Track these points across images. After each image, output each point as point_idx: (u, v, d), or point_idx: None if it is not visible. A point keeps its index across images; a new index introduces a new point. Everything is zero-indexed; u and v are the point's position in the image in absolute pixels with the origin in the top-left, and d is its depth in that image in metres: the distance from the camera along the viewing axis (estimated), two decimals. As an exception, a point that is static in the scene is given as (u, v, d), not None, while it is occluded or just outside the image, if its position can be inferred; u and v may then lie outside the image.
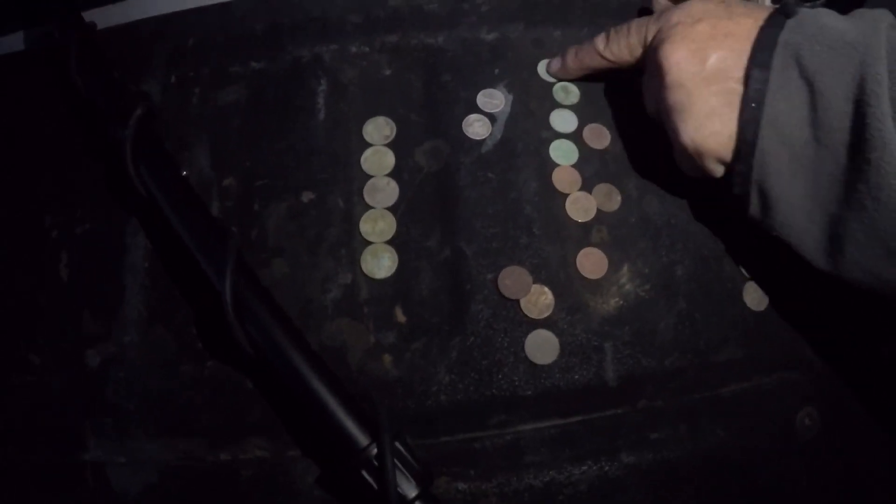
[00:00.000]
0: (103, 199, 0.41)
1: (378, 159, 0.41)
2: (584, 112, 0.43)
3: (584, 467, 0.36)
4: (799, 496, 0.38)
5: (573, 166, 0.41)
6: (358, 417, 0.34)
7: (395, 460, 0.33)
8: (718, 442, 0.37)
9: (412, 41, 0.43)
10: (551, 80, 0.43)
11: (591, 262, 0.39)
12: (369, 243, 0.39)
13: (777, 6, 0.37)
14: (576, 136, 0.42)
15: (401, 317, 0.38)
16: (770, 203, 0.35)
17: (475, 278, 0.38)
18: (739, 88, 0.35)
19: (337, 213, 0.39)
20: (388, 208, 0.39)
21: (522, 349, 0.37)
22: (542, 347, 0.37)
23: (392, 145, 0.41)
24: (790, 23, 0.35)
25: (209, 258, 0.36)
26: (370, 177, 0.40)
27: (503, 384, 0.37)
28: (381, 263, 0.38)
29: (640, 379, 0.38)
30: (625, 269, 0.39)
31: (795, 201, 0.35)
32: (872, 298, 0.35)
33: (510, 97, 0.42)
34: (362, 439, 0.33)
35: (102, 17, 0.45)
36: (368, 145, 0.41)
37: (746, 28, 0.36)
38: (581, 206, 0.40)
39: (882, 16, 0.34)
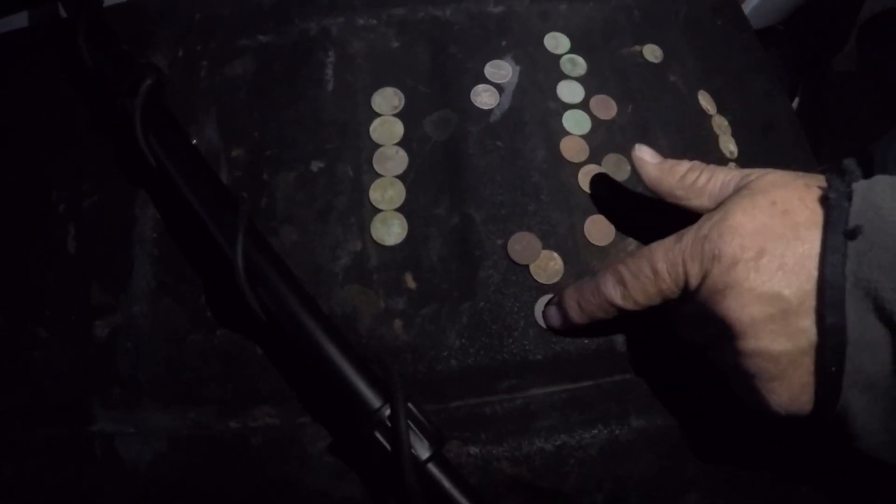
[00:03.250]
0: (111, 172, 0.41)
1: (387, 129, 0.41)
2: (590, 83, 0.43)
3: (595, 431, 0.36)
4: (804, 462, 0.38)
5: (583, 136, 0.41)
6: (370, 380, 0.34)
7: (409, 421, 0.33)
8: (727, 405, 0.37)
9: (419, 14, 0.43)
10: (558, 52, 0.44)
11: (599, 230, 0.39)
12: (379, 211, 0.39)
13: (826, 196, 0.30)
14: (583, 107, 0.42)
15: (411, 283, 0.38)
16: (850, 435, 0.31)
17: (485, 244, 0.38)
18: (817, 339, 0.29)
19: (346, 181, 0.39)
20: (398, 176, 0.40)
21: (533, 314, 0.37)
22: (553, 312, 0.37)
23: (400, 115, 0.41)
24: (856, 246, 0.28)
25: (220, 225, 0.36)
26: (379, 146, 0.40)
27: (514, 349, 0.37)
28: (390, 230, 0.38)
29: (649, 344, 0.38)
30: (631, 237, 0.39)
31: (876, 431, 0.30)
32: None
33: (518, 68, 0.42)
34: (375, 401, 0.33)
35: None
36: (377, 115, 0.41)
37: (817, 245, 0.29)
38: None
39: None
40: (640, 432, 0.37)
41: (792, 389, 0.30)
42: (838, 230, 0.29)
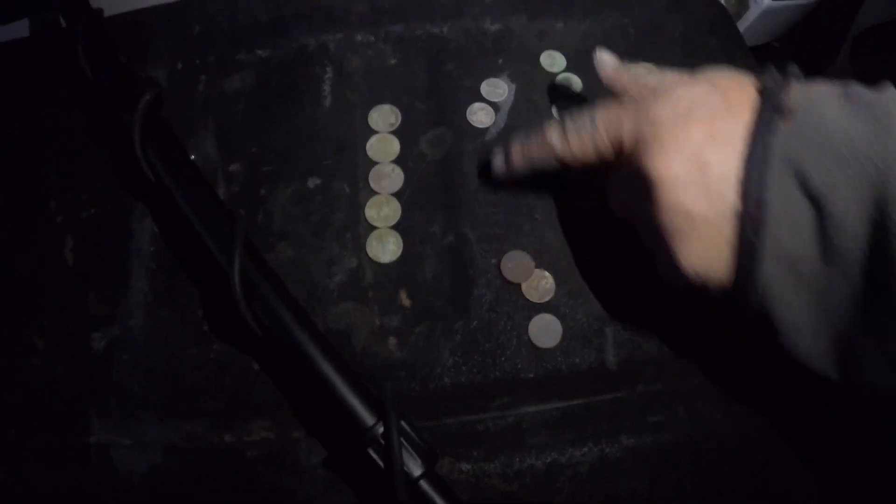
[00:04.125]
0: (109, 183, 0.41)
1: (383, 146, 0.41)
2: (585, 102, 0.43)
3: (585, 449, 0.37)
4: (796, 479, 0.39)
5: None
6: (364, 397, 0.34)
7: (401, 439, 0.33)
8: (716, 425, 0.38)
9: (417, 31, 0.44)
10: (554, 70, 0.44)
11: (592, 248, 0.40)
12: (374, 228, 0.39)
13: (762, 85, 0.31)
14: (578, 126, 0.43)
15: (405, 300, 0.38)
16: (774, 327, 0.31)
17: (478, 263, 0.39)
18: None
19: (343, 198, 0.40)
20: (394, 194, 0.40)
21: (526, 332, 0.38)
22: (546, 331, 0.38)
23: (397, 133, 0.41)
24: (785, 124, 0.29)
25: (217, 239, 0.36)
26: (375, 163, 0.41)
27: (506, 367, 0.37)
28: (386, 248, 0.39)
29: (639, 363, 0.38)
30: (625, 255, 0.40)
31: (802, 326, 0.30)
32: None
33: (513, 86, 0.43)
34: (368, 418, 0.33)
35: (107, 5, 0.45)
36: (374, 132, 0.41)
37: (747, 123, 0.30)
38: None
39: (893, 105, 0.28)
40: (630, 451, 0.37)
41: (704, 251, 0.31)
42: (770, 107, 0.30)
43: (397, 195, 0.40)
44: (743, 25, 0.54)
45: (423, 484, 0.33)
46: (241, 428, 0.37)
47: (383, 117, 0.42)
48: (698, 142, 0.30)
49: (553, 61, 0.44)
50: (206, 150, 0.41)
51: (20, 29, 0.47)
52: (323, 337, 0.35)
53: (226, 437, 0.37)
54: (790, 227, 0.29)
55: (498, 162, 0.38)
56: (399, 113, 0.42)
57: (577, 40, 0.45)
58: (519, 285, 0.38)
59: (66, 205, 0.41)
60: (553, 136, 0.36)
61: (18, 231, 0.42)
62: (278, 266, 0.38)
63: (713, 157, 0.30)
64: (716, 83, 0.32)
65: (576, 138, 0.35)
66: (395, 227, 0.39)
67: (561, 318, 0.38)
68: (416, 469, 0.33)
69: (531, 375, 0.37)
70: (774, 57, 0.60)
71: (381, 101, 0.42)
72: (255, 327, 0.35)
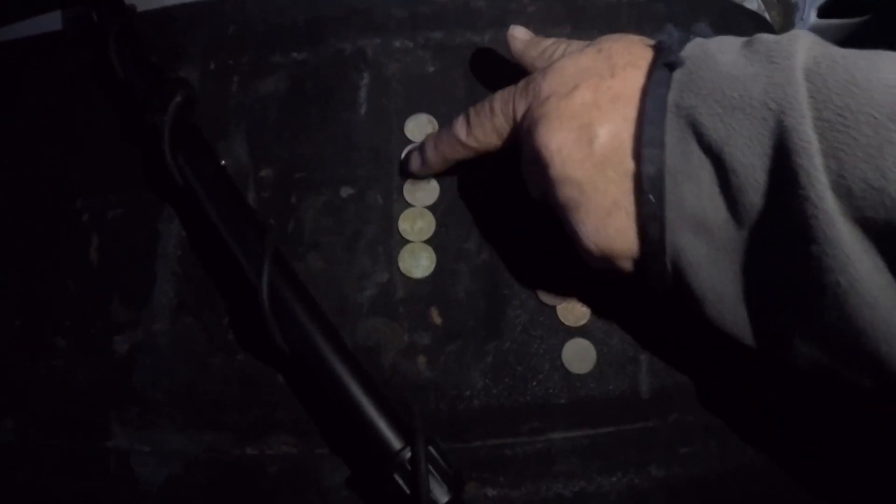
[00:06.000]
0: (137, 184, 0.40)
1: (418, 157, 0.40)
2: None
3: (614, 479, 0.36)
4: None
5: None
6: (392, 421, 0.33)
7: (429, 465, 0.32)
8: (747, 461, 0.37)
9: (457, 38, 0.43)
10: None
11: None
12: (407, 242, 0.38)
13: (658, 42, 0.30)
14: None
15: (437, 318, 0.37)
16: (694, 296, 0.29)
17: (513, 283, 0.38)
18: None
19: (376, 209, 0.39)
20: (428, 207, 0.39)
21: (559, 357, 0.37)
22: (580, 356, 0.37)
23: (433, 144, 0.40)
24: (678, 76, 0.28)
25: (246, 252, 0.35)
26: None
27: (537, 391, 0.37)
28: (418, 263, 0.38)
29: (672, 392, 0.37)
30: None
31: (723, 294, 0.28)
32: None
33: (553, 101, 0.42)
34: (396, 443, 0.33)
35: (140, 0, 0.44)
36: (410, 142, 0.40)
37: (636, 84, 0.29)
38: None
39: (796, 47, 0.26)
40: (658, 482, 0.36)
41: (601, 223, 0.30)
42: (663, 63, 0.29)
43: (432, 208, 0.39)
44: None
45: (450, 512, 0.32)
46: (263, 442, 0.37)
47: (420, 127, 0.41)
48: (581, 110, 0.30)
49: (594, 75, 0.43)
50: (237, 154, 0.40)
51: (53, 22, 0.45)
52: (353, 357, 0.34)
53: (247, 451, 0.37)
54: (693, 186, 0.27)
55: (415, 163, 0.38)
56: (436, 123, 0.41)
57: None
58: (554, 308, 0.37)
59: (93, 204, 0.41)
60: (459, 129, 0.35)
61: (44, 228, 0.41)
62: (308, 278, 0.37)
63: (599, 124, 0.29)
64: (602, 48, 0.32)
65: (479, 128, 0.35)
66: (429, 242, 0.38)
67: (595, 343, 0.37)
68: (442, 496, 0.32)
69: (562, 401, 0.37)
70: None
71: (417, 109, 0.41)
72: (283, 344, 0.34)
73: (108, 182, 0.41)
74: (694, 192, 0.27)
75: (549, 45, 0.36)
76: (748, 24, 0.47)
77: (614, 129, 0.29)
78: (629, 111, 0.29)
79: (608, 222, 0.30)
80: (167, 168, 0.37)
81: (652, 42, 0.32)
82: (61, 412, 0.38)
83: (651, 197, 0.28)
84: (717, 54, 0.28)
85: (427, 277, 0.38)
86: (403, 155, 0.39)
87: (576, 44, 0.35)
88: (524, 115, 0.32)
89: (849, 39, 0.54)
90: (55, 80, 0.44)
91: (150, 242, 0.39)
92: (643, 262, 0.30)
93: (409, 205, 0.39)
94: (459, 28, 0.43)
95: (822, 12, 0.52)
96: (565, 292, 0.37)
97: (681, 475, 0.37)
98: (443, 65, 0.42)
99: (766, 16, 0.49)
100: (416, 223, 0.39)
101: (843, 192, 0.24)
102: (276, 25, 0.43)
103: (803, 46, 0.26)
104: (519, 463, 0.36)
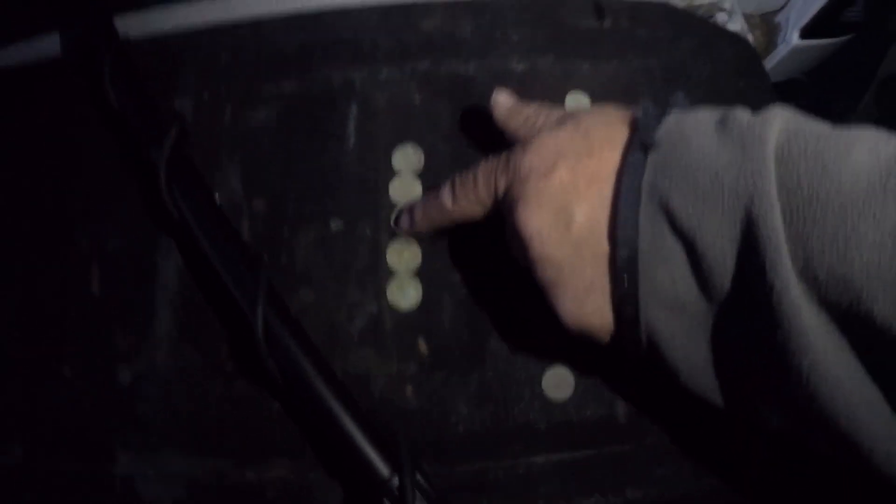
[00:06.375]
0: (136, 215, 0.42)
1: (405, 188, 0.41)
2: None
3: (592, 499, 0.38)
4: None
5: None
6: (381, 449, 0.35)
7: (416, 492, 0.34)
8: (719, 484, 0.39)
9: (443, 68, 0.43)
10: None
11: (609, 301, 0.40)
12: (395, 273, 0.40)
13: (633, 120, 0.31)
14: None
15: (423, 348, 0.39)
16: (668, 366, 0.31)
17: (495, 313, 0.39)
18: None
19: (364, 242, 0.40)
20: (415, 239, 0.40)
21: (539, 384, 0.39)
22: (559, 383, 0.39)
23: (420, 174, 0.42)
24: (653, 159, 0.29)
25: (240, 287, 0.37)
26: (397, 205, 0.41)
27: (519, 418, 0.38)
28: (406, 294, 0.40)
29: (649, 417, 0.39)
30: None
31: (696, 365, 0.30)
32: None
33: (537, 131, 0.43)
34: (384, 470, 0.35)
35: (134, 25, 0.45)
36: (396, 173, 0.42)
37: (612, 164, 0.30)
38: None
39: (769, 132, 0.26)
40: (634, 503, 0.38)
41: (579, 301, 0.31)
42: (638, 144, 0.29)
43: (418, 239, 0.40)
44: (771, 63, 0.54)
45: (436, 537, 0.34)
46: (261, 466, 0.39)
47: (406, 158, 0.42)
48: (559, 191, 0.30)
49: (578, 103, 0.44)
50: (231, 185, 0.42)
51: (52, 47, 0.46)
52: (343, 387, 0.36)
53: (247, 475, 0.39)
54: (666, 269, 0.28)
55: (404, 223, 0.39)
56: (423, 154, 0.42)
57: (603, 81, 0.45)
58: (535, 338, 0.39)
59: (93, 234, 0.42)
60: (445, 198, 0.36)
61: (47, 258, 0.42)
62: (300, 311, 0.39)
63: (576, 205, 0.30)
64: (581, 125, 0.32)
65: (463, 199, 0.35)
66: (416, 273, 0.40)
67: (574, 370, 0.39)
68: (429, 522, 0.34)
69: (543, 426, 0.39)
70: (802, 91, 0.59)
71: (404, 139, 0.42)
72: (278, 376, 0.36)
73: (107, 212, 0.42)
74: (667, 273, 0.28)
75: (531, 113, 0.36)
76: (730, 49, 0.47)
77: (590, 210, 0.30)
78: (605, 192, 0.30)
79: (585, 302, 0.31)
80: (163, 202, 0.38)
81: (628, 117, 0.32)
82: (68, 438, 0.40)
83: (625, 277, 0.29)
84: (691, 136, 0.29)
85: (414, 308, 0.40)
86: (394, 214, 0.40)
87: (556, 113, 0.36)
88: (505, 191, 0.33)
89: (831, 59, 0.55)
90: (56, 108, 0.45)
91: (150, 274, 0.41)
92: (619, 336, 0.32)
93: (396, 235, 0.40)
94: (445, 57, 0.44)
95: (805, 33, 0.53)
96: (546, 324, 0.39)
97: (656, 496, 0.39)
98: (429, 94, 0.43)
99: (749, 37, 0.50)
100: (403, 255, 0.40)
101: (809, 277, 0.25)
102: (267, 54, 0.44)
103: (776, 129, 0.27)
104: (501, 486, 0.38)
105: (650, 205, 0.28)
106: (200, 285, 0.40)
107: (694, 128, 0.29)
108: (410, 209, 0.39)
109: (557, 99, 0.44)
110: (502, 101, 0.38)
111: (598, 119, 0.33)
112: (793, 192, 0.25)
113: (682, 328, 0.29)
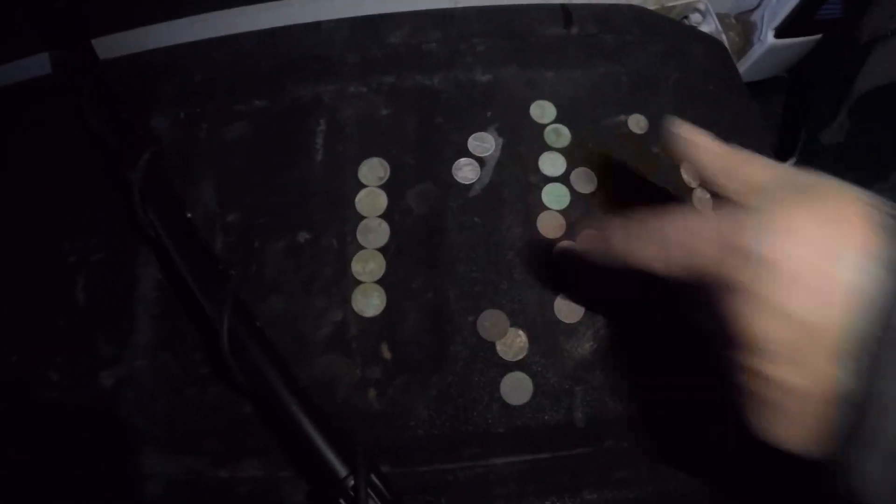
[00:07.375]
0: (117, 229, 0.44)
1: (371, 200, 0.43)
2: (573, 155, 0.44)
3: (548, 501, 0.39)
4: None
5: (561, 211, 0.43)
6: (338, 450, 0.37)
7: (370, 491, 0.36)
8: (678, 485, 0.40)
9: (407, 82, 0.45)
10: (543, 121, 0.45)
11: (569, 307, 0.41)
12: (360, 282, 0.41)
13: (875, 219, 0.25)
14: (564, 180, 0.44)
15: (386, 353, 0.41)
16: (852, 490, 0.26)
17: (456, 320, 0.41)
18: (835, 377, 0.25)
19: (331, 252, 0.42)
20: (379, 249, 0.42)
21: (498, 389, 0.40)
22: (517, 389, 0.40)
23: (385, 187, 0.43)
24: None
25: (209, 300, 0.39)
26: (363, 217, 0.42)
27: (477, 421, 0.40)
28: (370, 302, 0.41)
29: (606, 421, 0.40)
30: (601, 314, 0.41)
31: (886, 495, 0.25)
32: None
33: (500, 140, 0.44)
34: (341, 470, 0.37)
35: (112, 45, 0.47)
36: (363, 186, 0.43)
37: (864, 277, 0.24)
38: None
39: None
40: (591, 505, 0.40)
41: (791, 427, 0.27)
42: (892, 272, 0.24)
43: (383, 250, 0.42)
44: (747, 63, 0.53)
45: (388, 536, 0.36)
46: (234, 465, 0.41)
47: (372, 171, 0.43)
48: (801, 298, 0.25)
49: (543, 112, 0.45)
50: (206, 200, 0.44)
51: (42, 66, 0.49)
52: (304, 393, 0.38)
53: (220, 473, 0.41)
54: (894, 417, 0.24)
55: (596, 244, 0.34)
56: (388, 166, 0.43)
57: (567, 90, 0.45)
58: (494, 343, 0.40)
59: (78, 247, 0.44)
60: (616, 236, 0.31)
61: (33, 268, 0.45)
62: (269, 319, 0.40)
63: (818, 320, 0.25)
64: (829, 209, 0.26)
65: (640, 248, 0.30)
66: (380, 282, 0.41)
67: (532, 376, 0.40)
68: (382, 520, 0.36)
69: (501, 430, 0.40)
70: (782, 89, 0.59)
71: (371, 153, 0.44)
72: (244, 382, 0.38)
73: (91, 226, 0.45)
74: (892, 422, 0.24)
75: (746, 167, 0.30)
76: (701, 50, 0.48)
77: (832, 330, 0.25)
78: (852, 309, 0.24)
79: (799, 430, 0.27)
80: (139, 221, 0.41)
81: (877, 212, 0.26)
82: (55, 439, 0.42)
83: (857, 423, 0.25)
84: None
85: (378, 316, 0.41)
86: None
87: (757, 158, 0.30)
88: (717, 274, 0.27)
89: (805, 57, 0.54)
90: (41, 127, 0.47)
91: (130, 285, 0.43)
92: (821, 473, 0.27)
93: (361, 247, 0.42)
94: (410, 71, 0.45)
95: (780, 32, 0.52)
96: (504, 329, 0.40)
97: (613, 499, 0.40)
98: (395, 108, 0.44)
99: (724, 38, 0.50)
100: (368, 264, 0.42)
101: None
102: (240, 72, 0.46)
103: None
104: (460, 487, 0.39)
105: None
106: (177, 297, 0.42)
107: None
108: (604, 227, 0.32)
109: (522, 109, 0.45)
110: (704, 144, 0.31)
111: (850, 209, 0.26)
112: None
113: (886, 467, 0.25)
